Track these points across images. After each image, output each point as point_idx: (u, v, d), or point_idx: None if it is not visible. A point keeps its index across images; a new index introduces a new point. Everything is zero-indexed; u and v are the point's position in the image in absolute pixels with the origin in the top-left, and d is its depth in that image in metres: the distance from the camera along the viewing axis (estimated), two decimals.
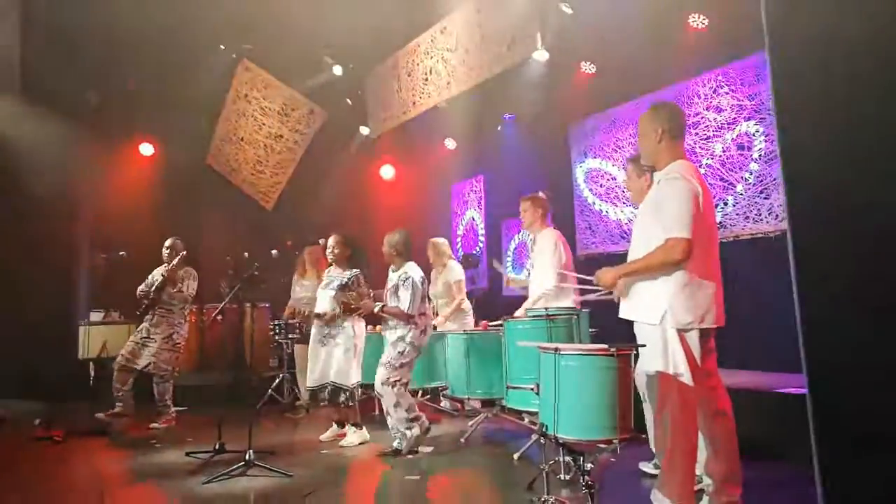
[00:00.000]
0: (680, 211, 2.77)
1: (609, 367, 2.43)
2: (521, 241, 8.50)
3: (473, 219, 9.58)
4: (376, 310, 4.67)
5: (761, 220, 5.53)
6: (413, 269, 4.73)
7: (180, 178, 8.54)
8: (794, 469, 3.74)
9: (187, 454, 4.73)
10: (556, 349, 2.52)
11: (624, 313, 2.98)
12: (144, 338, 5.98)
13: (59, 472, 4.41)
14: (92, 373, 7.74)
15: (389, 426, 4.63)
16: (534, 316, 3.41)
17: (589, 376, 2.43)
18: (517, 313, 4.28)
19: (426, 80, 6.43)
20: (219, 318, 7.67)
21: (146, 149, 8.71)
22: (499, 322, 4.15)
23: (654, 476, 3.76)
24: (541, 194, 4.90)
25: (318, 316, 5.10)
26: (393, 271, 4.89)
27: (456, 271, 6.16)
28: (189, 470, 4.30)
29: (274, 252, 4.70)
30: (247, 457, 4.18)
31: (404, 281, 4.65)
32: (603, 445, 2.55)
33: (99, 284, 7.39)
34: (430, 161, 9.66)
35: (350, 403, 4.97)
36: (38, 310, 7.38)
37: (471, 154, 9.27)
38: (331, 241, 5.26)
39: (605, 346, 2.49)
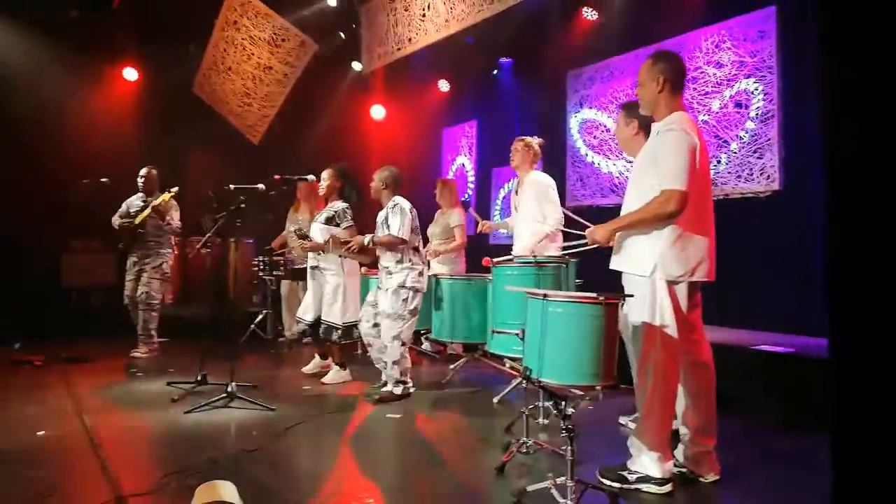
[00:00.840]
0: (676, 163, 2.74)
1: (596, 315, 2.43)
2: (511, 190, 8.44)
3: (463, 165, 9.48)
4: (366, 241, 4.61)
5: (753, 179, 5.52)
6: (402, 200, 4.66)
7: (165, 105, 8.30)
8: (761, 422, 3.88)
9: (168, 384, 4.74)
10: (545, 295, 2.51)
11: (615, 265, 2.98)
12: (138, 272, 6.02)
13: (38, 397, 4.41)
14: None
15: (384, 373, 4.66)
16: (523, 262, 3.40)
17: (576, 323, 2.44)
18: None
19: (423, 16, 6.22)
20: (203, 251, 7.59)
21: (130, 73, 8.42)
22: (501, 259, 4.13)
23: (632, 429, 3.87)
24: (536, 141, 4.81)
25: (304, 240, 5.03)
26: (381, 209, 4.83)
27: (457, 216, 6.12)
28: (171, 399, 4.32)
29: (261, 186, 4.58)
30: (228, 389, 4.21)
31: (393, 207, 4.60)
32: (584, 392, 2.58)
33: (80, 212, 7.24)
34: (422, 103, 9.47)
35: (341, 341, 4.99)
36: (20, 236, 7.24)
37: (464, 98, 9.11)
38: (324, 174, 5.18)
39: (593, 294, 2.48)
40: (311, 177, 5.22)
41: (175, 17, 7.59)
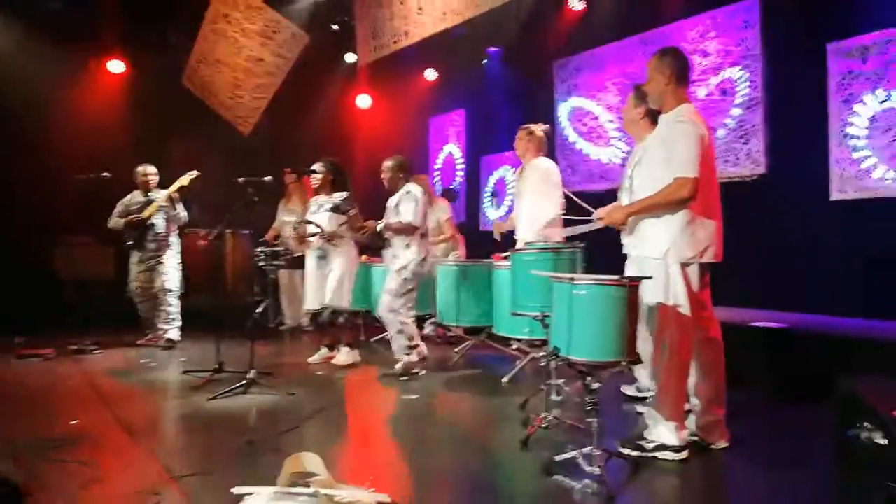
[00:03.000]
0: (687, 152, 2.94)
1: (621, 296, 2.63)
2: (500, 178, 8.63)
3: (451, 153, 9.63)
4: (379, 228, 4.80)
5: (739, 164, 5.78)
6: (414, 187, 4.84)
7: (153, 98, 8.26)
8: (761, 394, 4.14)
9: (184, 372, 4.85)
10: (571, 279, 2.71)
11: (628, 248, 3.20)
12: (155, 263, 6.13)
13: (59, 388, 4.49)
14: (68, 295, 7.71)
15: (393, 350, 4.84)
16: (540, 248, 3.60)
17: (601, 304, 2.63)
18: (519, 238, 4.53)
19: (420, 9, 6.32)
20: (201, 243, 7.66)
21: (116, 66, 8.35)
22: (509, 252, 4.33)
23: (633, 398, 4.12)
24: (541, 128, 4.89)
25: (319, 234, 5.16)
26: (392, 196, 4.99)
27: (443, 209, 6.30)
28: (190, 387, 4.43)
29: (268, 178, 4.69)
30: (248, 376, 4.33)
31: (406, 194, 4.78)
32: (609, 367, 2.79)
33: (74, 206, 7.23)
34: (408, 92, 9.57)
35: (346, 323, 5.19)
36: (10, 230, 7.22)
37: (452, 87, 9.23)
38: (316, 166, 5.31)
39: (617, 276, 2.69)
40: (318, 167, 5.31)
41: (160, 7, 7.57)
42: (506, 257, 4.21)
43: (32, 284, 7.25)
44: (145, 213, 6.03)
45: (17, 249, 7.26)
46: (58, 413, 3.83)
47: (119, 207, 6.19)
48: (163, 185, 6.23)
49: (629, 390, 4.20)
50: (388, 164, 4.97)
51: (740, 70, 5.83)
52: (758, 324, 4.49)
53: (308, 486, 1.71)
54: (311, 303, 5.34)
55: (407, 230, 4.70)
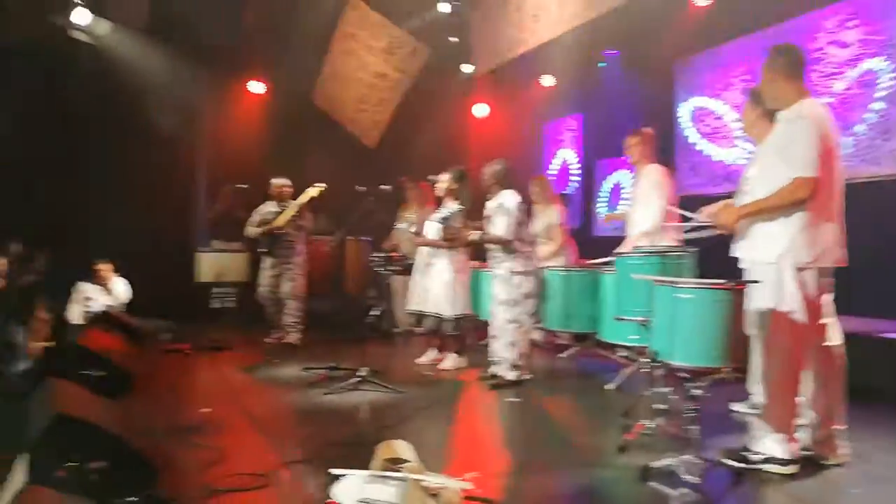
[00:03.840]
0: (805, 150, 2.78)
1: (725, 300, 2.53)
2: (617, 183, 8.43)
3: (566, 159, 9.53)
4: (470, 238, 4.84)
5: (879, 163, 5.28)
6: (508, 196, 4.81)
7: (288, 115, 8.89)
8: (890, 409, 3.77)
9: (305, 369, 5.19)
10: (674, 282, 2.64)
11: (739, 251, 3.04)
12: (283, 268, 6.51)
13: (196, 380, 4.98)
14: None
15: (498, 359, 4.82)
16: (647, 252, 3.51)
17: (705, 308, 2.54)
18: (623, 249, 4.38)
19: (535, 16, 6.35)
20: (326, 248, 8.17)
21: (256, 87, 9.08)
22: (599, 260, 4.27)
23: (744, 415, 3.87)
24: (649, 130, 4.83)
25: (417, 239, 5.32)
26: (489, 201, 5.00)
27: (556, 214, 6.21)
28: (308, 383, 4.73)
29: (386, 187, 4.92)
30: (360, 373, 4.56)
31: (499, 206, 4.80)
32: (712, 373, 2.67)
33: (215, 214, 7.97)
34: (524, 99, 9.59)
35: (452, 332, 5.25)
36: (161, 235, 8.04)
37: (568, 92, 9.14)
38: (442, 176, 5.44)
39: (722, 280, 2.58)
40: (439, 177, 5.44)
41: (297, 32, 8.14)
42: (599, 263, 4.15)
43: (176, 285, 8.03)
44: (278, 222, 6.46)
45: (165, 254, 8.06)
46: (193, 402, 4.24)
47: (255, 217, 6.70)
48: (294, 196, 6.66)
49: (741, 407, 3.93)
50: (486, 170, 4.99)
51: (884, 60, 5.33)
52: (889, 335, 4.08)
53: (399, 472, 1.81)
54: (412, 304, 5.50)
55: (500, 243, 4.73)
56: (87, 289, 6.57)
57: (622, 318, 3.40)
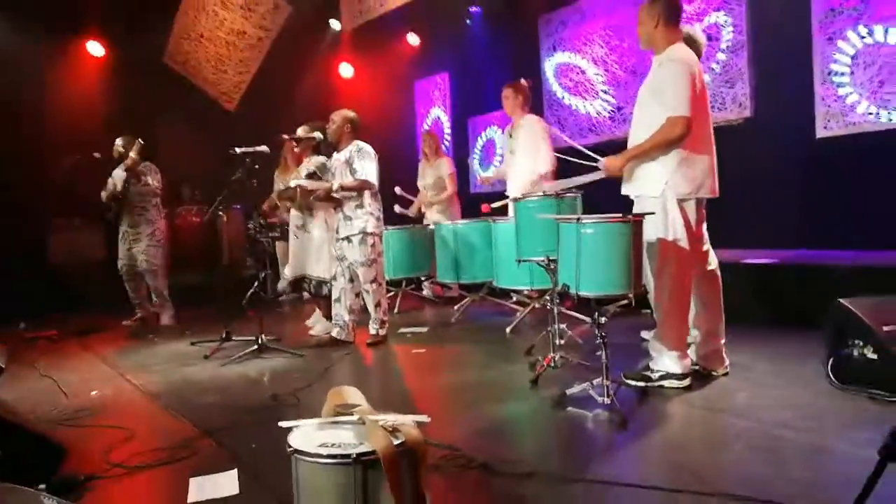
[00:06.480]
0: (678, 91, 3.02)
1: (625, 232, 2.74)
2: (489, 139, 8.66)
3: (438, 117, 9.62)
4: (334, 188, 4.55)
5: (726, 108, 5.85)
6: (364, 144, 4.64)
7: (135, 80, 8.16)
8: (755, 324, 4.29)
9: (192, 343, 4.93)
10: (578, 219, 2.80)
11: (627, 190, 3.28)
12: (132, 240, 5.95)
13: (71, 365, 4.57)
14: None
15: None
16: (544, 195, 3.66)
17: (608, 241, 2.74)
18: (515, 194, 4.57)
19: None
20: (195, 219, 7.70)
21: (95, 48, 8.22)
22: (498, 203, 4.43)
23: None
24: (522, 81, 5.01)
25: (280, 195, 5.09)
26: (338, 152, 4.75)
27: (446, 165, 6.30)
28: (202, 355, 4.51)
29: (264, 148, 4.66)
30: (259, 340, 4.42)
31: (358, 151, 4.57)
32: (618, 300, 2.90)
33: (63, 188, 7.21)
34: (391, 57, 9.50)
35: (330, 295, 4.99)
36: (6, 214, 7.18)
37: (435, 50, 9.18)
38: (300, 130, 5.14)
39: (620, 214, 2.78)
40: (317, 134, 5.17)
41: None
42: (498, 205, 4.33)
43: (27, 269, 7.24)
44: (117, 187, 5.84)
45: (10, 234, 7.22)
46: (77, 387, 3.90)
47: (108, 183, 6.05)
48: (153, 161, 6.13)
49: (649, 335, 4.24)
50: (335, 116, 4.72)
51: (725, 15, 5.87)
52: (750, 260, 4.62)
53: (352, 416, 1.81)
54: (287, 270, 5.25)
55: (364, 188, 4.54)
56: None
57: (525, 259, 3.55)
